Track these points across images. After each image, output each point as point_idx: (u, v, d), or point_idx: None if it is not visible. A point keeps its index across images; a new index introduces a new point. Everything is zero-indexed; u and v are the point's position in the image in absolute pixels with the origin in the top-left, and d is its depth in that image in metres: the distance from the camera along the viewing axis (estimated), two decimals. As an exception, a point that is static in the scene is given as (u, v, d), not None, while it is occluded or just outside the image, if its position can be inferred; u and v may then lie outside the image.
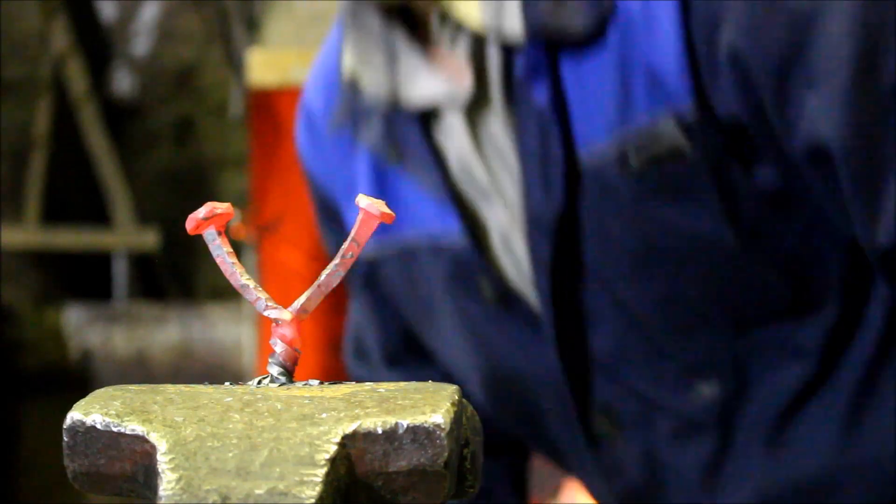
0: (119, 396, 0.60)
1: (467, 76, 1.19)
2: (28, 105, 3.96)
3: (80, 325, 3.75)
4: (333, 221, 1.37)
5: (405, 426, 0.57)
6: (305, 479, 0.54)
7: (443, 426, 0.57)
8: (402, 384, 0.62)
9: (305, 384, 0.64)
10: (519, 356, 1.25)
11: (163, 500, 0.55)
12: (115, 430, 0.58)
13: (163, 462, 0.56)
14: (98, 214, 3.94)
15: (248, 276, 0.68)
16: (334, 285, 0.68)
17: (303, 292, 0.68)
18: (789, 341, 1.18)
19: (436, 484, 0.57)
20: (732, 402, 1.19)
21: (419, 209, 1.26)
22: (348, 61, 1.25)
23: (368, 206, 0.67)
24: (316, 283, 0.67)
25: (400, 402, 0.58)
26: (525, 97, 1.16)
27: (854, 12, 1.04)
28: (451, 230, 1.24)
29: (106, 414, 0.59)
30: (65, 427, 0.59)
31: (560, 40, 1.14)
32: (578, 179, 1.17)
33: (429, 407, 0.58)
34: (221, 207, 0.67)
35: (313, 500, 0.54)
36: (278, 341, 0.66)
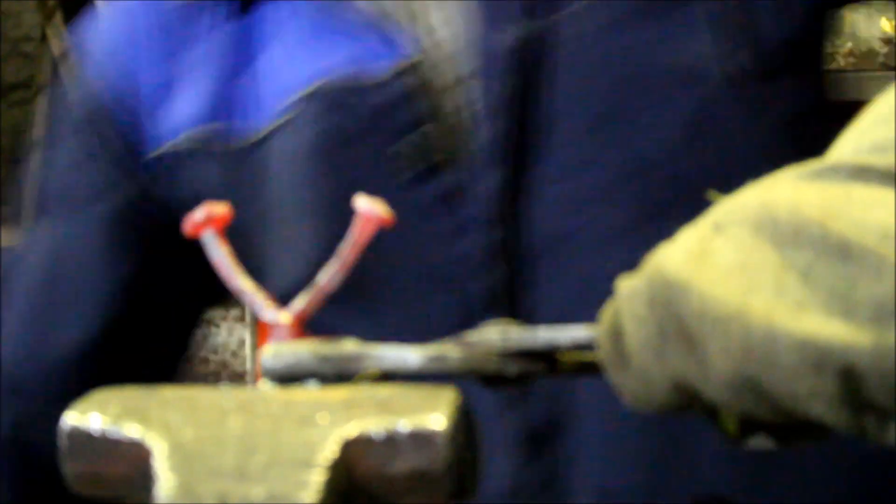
0: (116, 398, 0.60)
1: None
2: (28, 105, 3.96)
3: (79, 327, 3.74)
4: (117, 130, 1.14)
5: (405, 429, 0.57)
6: (304, 482, 0.54)
7: (443, 429, 0.57)
8: (402, 386, 0.61)
9: (304, 386, 0.64)
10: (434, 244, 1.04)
11: (160, 503, 0.54)
12: (112, 432, 0.58)
13: (160, 465, 0.56)
14: (97, 215, 3.94)
15: (245, 278, 0.67)
16: (333, 288, 0.67)
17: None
18: None
19: (436, 487, 0.57)
20: None
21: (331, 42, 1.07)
22: None
23: (367, 210, 0.66)
24: (314, 285, 0.67)
25: (399, 405, 0.58)
26: None
27: None
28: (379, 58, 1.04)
29: (103, 416, 0.58)
30: (61, 430, 0.58)
31: None
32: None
33: (429, 409, 0.57)
34: (219, 209, 0.67)
35: (312, 504, 0.54)
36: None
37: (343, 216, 1.00)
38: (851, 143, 0.64)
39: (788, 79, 1.06)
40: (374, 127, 1.05)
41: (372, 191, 1.04)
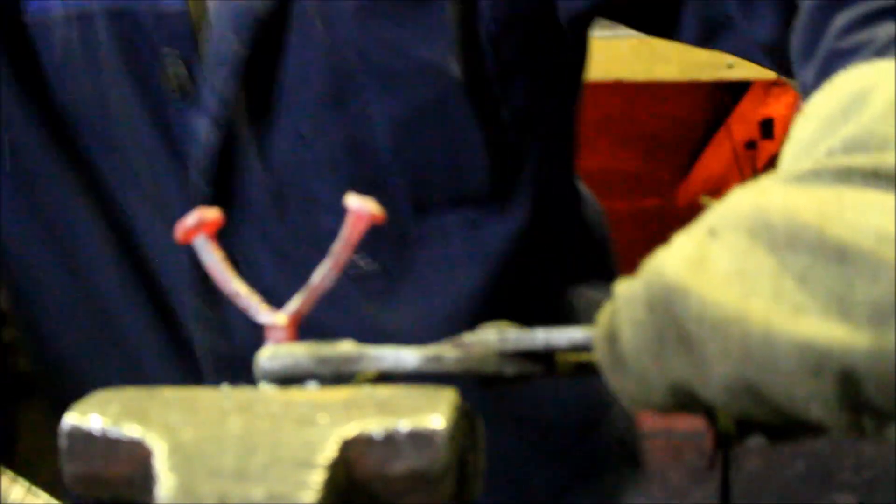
0: (116, 399, 0.60)
1: None
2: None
3: (74, 327, 3.72)
4: None
5: (405, 429, 0.57)
6: (304, 482, 0.54)
7: (443, 429, 0.57)
8: (402, 386, 0.61)
9: (304, 387, 0.64)
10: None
11: (160, 503, 0.54)
12: (112, 433, 0.58)
13: (160, 465, 0.56)
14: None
15: (239, 282, 0.67)
16: (326, 287, 0.67)
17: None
18: (469, 239, 1.13)
19: (435, 488, 0.57)
20: (388, 283, 1.13)
21: None
22: None
23: (359, 208, 0.66)
24: (308, 285, 0.67)
25: (399, 405, 0.58)
26: None
27: None
28: None
29: (103, 416, 0.58)
30: (61, 430, 0.58)
31: None
32: None
33: (429, 410, 0.57)
34: (210, 214, 0.67)
35: (312, 504, 0.54)
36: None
37: (106, 117, 1.11)
38: (821, 143, 0.64)
39: (524, 81, 1.12)
40: (151, 50, 1.11)
41: (133, 102, 1.10)
